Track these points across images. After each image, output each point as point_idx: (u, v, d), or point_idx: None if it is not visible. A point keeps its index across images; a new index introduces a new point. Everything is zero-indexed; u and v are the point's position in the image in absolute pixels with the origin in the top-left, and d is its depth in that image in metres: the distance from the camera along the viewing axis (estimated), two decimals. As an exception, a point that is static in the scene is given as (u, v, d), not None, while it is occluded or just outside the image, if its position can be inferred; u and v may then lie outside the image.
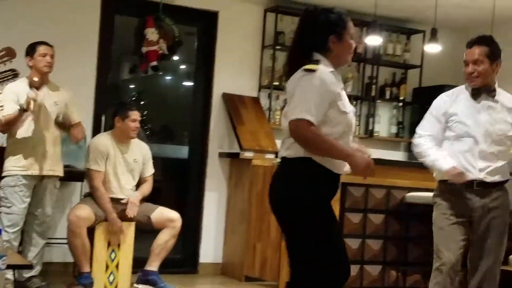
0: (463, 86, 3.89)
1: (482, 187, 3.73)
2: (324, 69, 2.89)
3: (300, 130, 2.82)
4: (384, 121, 7.76)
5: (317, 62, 2.91)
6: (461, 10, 6.96)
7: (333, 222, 3.02)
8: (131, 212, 5.32)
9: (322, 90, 2.85)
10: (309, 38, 2.99)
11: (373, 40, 6.56)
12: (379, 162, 5.56)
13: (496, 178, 3.76)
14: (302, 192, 2.90)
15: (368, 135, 7.57)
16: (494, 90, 3.79)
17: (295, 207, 2.91)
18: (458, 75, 7.89)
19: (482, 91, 3.77)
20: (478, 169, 3.71)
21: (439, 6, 6.25)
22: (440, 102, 3.88)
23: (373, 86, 7.55)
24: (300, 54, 2.99)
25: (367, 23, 7.01)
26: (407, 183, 5.75)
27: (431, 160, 3.79)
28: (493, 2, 6.24)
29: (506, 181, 3.87)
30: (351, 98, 7.49)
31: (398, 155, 7.62)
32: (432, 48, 6.54)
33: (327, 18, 3.00)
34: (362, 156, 2.86)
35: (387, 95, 7.68)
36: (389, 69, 7.72)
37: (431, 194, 4.67)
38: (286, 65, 3.09)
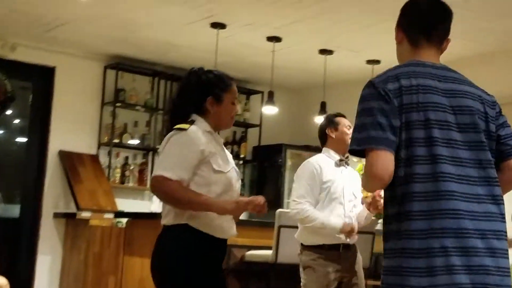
0: (324, 154, 3.98)
1: (346, 249, 3.84)
2: (195, 129, 2.82)
3: (157, 186, 2.73)
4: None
5: (191, 122, 2.85)
6: (296, 73, 7.30)
7: None
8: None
9: (188, 148, 2.77)
10: (188, 98, 2.92)
11: (214, 99, 6.65)
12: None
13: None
14: (175, 263, 2.76)
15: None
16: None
17: (169, 279, 2.77)
18: (295, 134, 8.26)
19: (344, 157, 3.93)
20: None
21: (275, 68, 6.50)
22: (312, 169, 3.92)
23: (215, 144, 7.61)
24: (178, 115, 2.91)
25: (207, 82, 7.11)
26: (247, 242, 5.79)
27: (321, 222, 3.78)
28: (324, 66, 6.61)
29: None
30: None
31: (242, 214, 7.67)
32: (269, 110, 6.76)
33: (207, 78, 2.94)
34: (226, 200, 2.74)
35: (228, 153, 7.78)
36: (231, 127, 7.84)
37: (269, 252, 4.72)
38: (164, 126, 3.02)
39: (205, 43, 6.26)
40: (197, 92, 2.92)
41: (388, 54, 6.65)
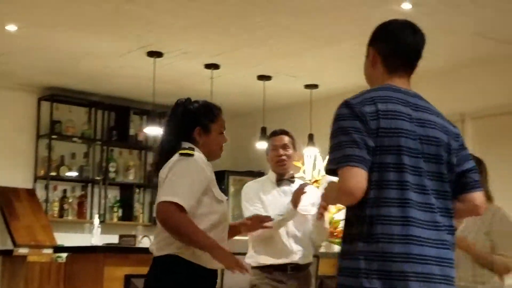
0: (266, 176, 3.97)
1: (296, 270, 3.80)
2: (199, 155, 2.77)
3: (166, 213, 2.60)
4: (168, 208, 7.72)
5: (192, 148, 2.79)
6: (235, 99, 7.31)
7: None
8: None
9: (197, 175, 2.71)
10: (176, 129, 2.87)
11: (153, 129, 6.59)
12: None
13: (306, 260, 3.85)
14: None
15: (153, 222, 7.47)
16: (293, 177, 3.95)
17: None
18: (236, 160, 8.24)
19: (284, 177, 3.89)
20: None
21: (215, 94, 6.50)
22: (247, 191, 3.91)
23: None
24: (169, 145, 2.84)
25: (146, 111, 7.05)
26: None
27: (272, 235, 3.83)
28: (263, 91, 6.64)
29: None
30: (133, 186, 7.43)
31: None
32: (210, 135, 6.72)
33: (193, 108, 2.90)
34: (225, 251, 2.68)
35: (170, 182, 7.70)
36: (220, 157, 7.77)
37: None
38: (156, 157, 2.90)
39: (142, 72, 6.21)
40: (184, 123, 2.87)
41: (325, 79, 6.81)
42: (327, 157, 2.11)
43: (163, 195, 2.63)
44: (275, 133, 3.96)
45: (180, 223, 2.59)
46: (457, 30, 5.10)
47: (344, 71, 6.17)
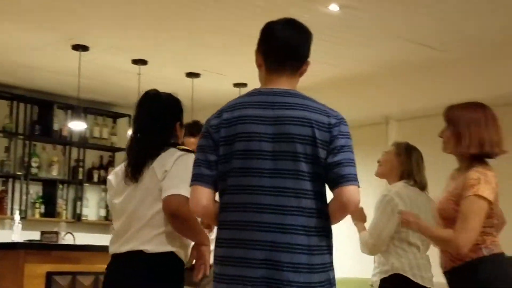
0: None
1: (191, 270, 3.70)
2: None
3: (178, 206, 2.54)
4: (93, 205, 7.62)
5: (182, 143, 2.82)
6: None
7: None
8: None
9: None
10: (160, 122, 2.75)
11: (77, 124, 6.46)
12: (86, 248, 5.41)
13: None
14: None
15: (76, 219, 7.34)
16: None
17: None
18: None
19: None
20: None
21: (142, 91, 6.38)
22: None
23: (80, 169, 7.40)
24: (154, 141, 2.71)
25: (71, 106, 6.92)
26: (100, 268, 5.62)
27: None
28: (191, 89, 6.62)
29: None
30: (57, 182, 7.26)
31: (107, 239, 7.47)
32: (136, 132, 6.65)
33: (173, 102, 2.83)
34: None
35: (95, 178, 7.59)
36: (97, 151, 7.67)
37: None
38: (137, 154, 2.72)
39: (67, 66, 6.07)
40: (166, 117, 2.78)
41: (254, 77, 6.79)
42: None
43: (173, 188, 2.57)
44: (194, 133, 3.85)
45: (190, 216, 2.55)
46: (383, 33, 5.23)
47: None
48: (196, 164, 2.12)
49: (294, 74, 2.18)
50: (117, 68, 6.32)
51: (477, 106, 2.84)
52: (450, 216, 2.71)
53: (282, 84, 2.15)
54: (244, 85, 6.71)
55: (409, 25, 5.07)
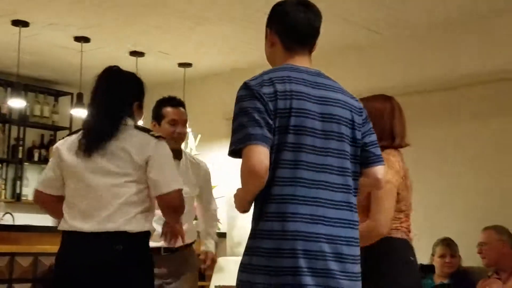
0: None
1: (170, 252, 3.55)
2: None
3: (182, 201, 2.75)
4: (33, 184, 7.44)
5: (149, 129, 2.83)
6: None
7: None
8: None
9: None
10: (119, 101, 2.74)
11: (17, 102, 6.30)
12: (25, 228, 5.32)
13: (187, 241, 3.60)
14: (150, 272, 2.75)
15: (16, 199, 7.19)
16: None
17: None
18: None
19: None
20: None
21: (85, 69, 6.31)
22: None
23: (20, 148, 7.24)
24: (113, 119, 2.70)
25: (10, 83, 6.73)
26: (56, 249, 5.53)
27: None
28: (135, 68, 6.53)
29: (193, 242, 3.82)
30: (-5, 161, 7.10)
31: (48, 220, 7.35)
32: (79, 112, 6.52)
33: (135, 80, 2.83)
34: None
35: (36, 157, 7.43)
36: (37, 130, 7.51)
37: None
38: (96, 134, 2.69)
39: (6, 42, 5.91)
40: (126, 95, 2.77)
41: (199, 57, 6.79)
42: (230, 141, 2.10)
43: (172, 183, 2.69)
44: (175, 104, 3.63)
45: (184, 206, 2.79)
46: (327, 16, 5.23)
47: (219, 52, 6.20)
48: (257, 124, 2.03)
49: (311, 54, 2.27)
50: (58, 45, 6.17)
51: (382, 98, 2.93)
52: (362, 208, 2.77)
53: (306, 63, 2.22)
54: (189, 65, 6.66)
55: (350, 7, 5.07)
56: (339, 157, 2.12)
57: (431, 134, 5.26)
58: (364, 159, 2.20)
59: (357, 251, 2.11)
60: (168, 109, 3.59)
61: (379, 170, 2.23)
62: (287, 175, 2.04)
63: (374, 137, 2.25)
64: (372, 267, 2.62)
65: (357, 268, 2.10)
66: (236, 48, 6.07)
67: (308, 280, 1.98)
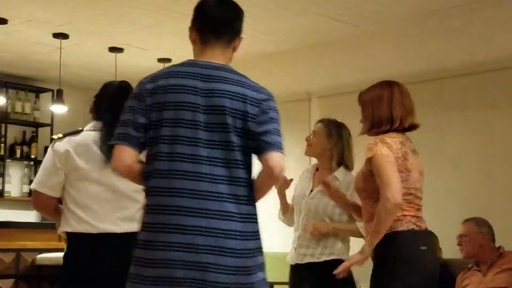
0: None
1: None
2: None
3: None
4: (16, 181, 7.49)
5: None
6: (86, 71, 7.14)
7: None
8: None
9: None
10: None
11: (-2, 99, 6.32)
12: (8, 225, 5.34)
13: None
14: None
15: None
16: None
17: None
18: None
19: None
20: None
21: (64, 66, 6.34)
22: None
23: (2, 145, 7.26)
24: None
25: (-10, 80, 6.75)
26: (38, 245, 5.58)
27: None
28: (114, 64, 6.57)
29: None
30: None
31: (30, 216, 7.39)
32: (59, 108, 6.55)
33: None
34: None
35: (18, 154, 7.45)
36: (19, 127, 7.52)
37: (61, 254, 4.59)
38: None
39: (-16, 40, 5.93)
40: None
41: (178, 52, 6.79)
42: None
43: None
44: None
45: None
46: (300, 10, 5.28)
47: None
48: (124, 124, 2.16)
49: (228, 48, 2.28)
50: (37, 42, 6.19)
51: (383, 84, 2.97)
52: (364, 188, 2.84)
53: (216, 57, 2.25)
54: (168, 60, 6.69)
55: (325, 2, 5.09)
56: (224, 149, 2.12)
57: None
58: (256, 149, 2.16)
59: (238, 244, 2.09)
60: None
61: (272, 157, 2.13)
62: (164, 168, 2.10)
63: (270, 127, 2.17)
64: (377, 269, 2.73)
65: (236, 261, 2.08)
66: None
67: (179, 273, 2.03)
